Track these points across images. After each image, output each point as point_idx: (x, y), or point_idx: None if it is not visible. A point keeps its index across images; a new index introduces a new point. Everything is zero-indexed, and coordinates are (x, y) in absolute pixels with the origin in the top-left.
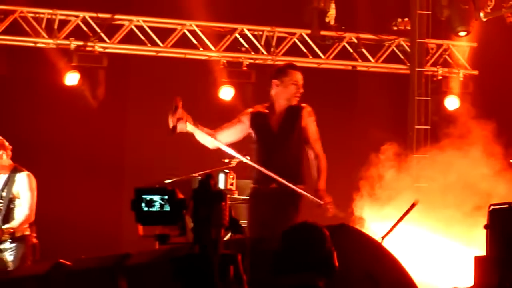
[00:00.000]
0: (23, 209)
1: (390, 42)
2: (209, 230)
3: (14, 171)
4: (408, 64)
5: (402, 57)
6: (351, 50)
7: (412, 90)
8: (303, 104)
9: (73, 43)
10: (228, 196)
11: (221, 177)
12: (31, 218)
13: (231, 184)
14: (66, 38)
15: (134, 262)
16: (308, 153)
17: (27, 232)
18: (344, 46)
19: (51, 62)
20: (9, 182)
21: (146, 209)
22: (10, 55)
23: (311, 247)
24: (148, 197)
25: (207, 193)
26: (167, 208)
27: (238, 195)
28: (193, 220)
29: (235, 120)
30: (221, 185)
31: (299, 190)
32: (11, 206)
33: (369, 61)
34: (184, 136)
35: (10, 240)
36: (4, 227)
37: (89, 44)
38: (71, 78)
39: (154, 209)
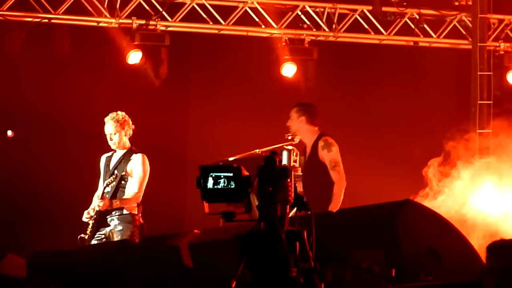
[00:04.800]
0: (133, 187)
1: (451, 17)
2: (274, 206)
3: (129, 151)
4: (470, 39)
5: (464, 32)
6: (412, 26)
7: (474, 65)
8: (321, 138)
9: (135, 22)
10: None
11: (284, 154)
12: (139, 198)
13: (294, 161)
14: (128, 17)
15: (200, 240)
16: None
17: (135, 212)
18: (405, 22)
19: (113, 41)
20: (123, 160)
21: (211, 186)
22: (73, 35)
23: None
24: (213, 174)
25: (272, 170)
26: (232, 185)
27: (301, 172)
28: (259, 197)
29: None
30: (284, 162)
31: None
32: (122, 182)
33: (431, 36)
34: (247, 114)
35: (118, 221)
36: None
37: (151, 22)
38: (134, 57)
39: (219, 186)
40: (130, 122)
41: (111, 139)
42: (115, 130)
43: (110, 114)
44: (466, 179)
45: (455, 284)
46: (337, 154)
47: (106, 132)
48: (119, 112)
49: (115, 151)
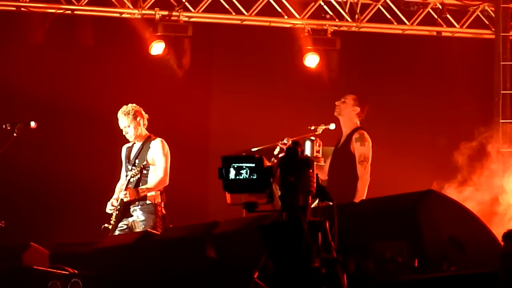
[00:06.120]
0: (158, 173)
1: (474, 7)
2: (297, 197)
3: (147, 139)
4: (493, 29)
5: (486, 22)
6: (435, 16)
7: (497, 55)
8: (358, 131)
9: (158, 13)
10: (315, 163)
11: (307, 144)
12: (165, 182)
13: (317, 152)
14: (151, 8)
15: (222, 230)
16: None
17: (158, 200)
18: (428, 12)
19: (136, 32)
20: (142, 150)
21: (233, 177)
22: (96, 26)
23: None
24: (235, 165)
25: (295, 161)
26: (254, 176)
27: (324, 162)
28: (281, 188)
29: None
30: (307, 152)
31: None
32: (144, 172)
33: (454, 26)
34: (270, 104)
35: (141, 212)
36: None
37: (174, 13)
38: (157, 48)
39: (241, 177)
40: (142, 112)
41: (126, 133)
42: (128, 122)
43: (121, 109)
44: (496, 170)
45: (478, 275)
46: (368, 150)
47: (120, 127)
48: (128, 105)
49: (134, 142)
